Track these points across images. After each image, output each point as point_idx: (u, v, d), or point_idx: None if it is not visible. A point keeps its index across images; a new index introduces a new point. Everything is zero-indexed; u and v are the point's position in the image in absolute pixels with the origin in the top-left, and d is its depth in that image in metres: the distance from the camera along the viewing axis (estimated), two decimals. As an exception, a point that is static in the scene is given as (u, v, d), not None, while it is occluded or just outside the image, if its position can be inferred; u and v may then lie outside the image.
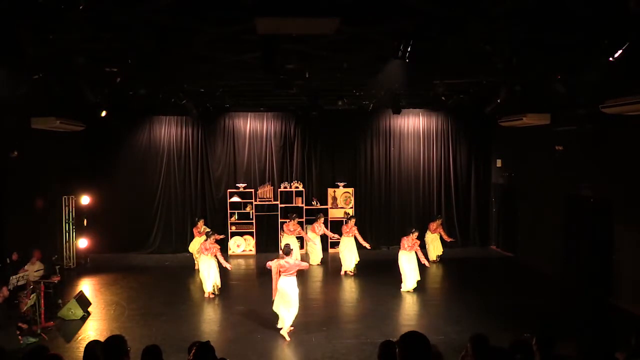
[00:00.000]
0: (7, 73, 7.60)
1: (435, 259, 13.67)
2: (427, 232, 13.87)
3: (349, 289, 11.59)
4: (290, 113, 15.15)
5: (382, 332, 8.34)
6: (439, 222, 14.07)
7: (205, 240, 10.93)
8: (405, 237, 11.22)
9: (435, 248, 13.78)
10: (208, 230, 11.96)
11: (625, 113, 8.71)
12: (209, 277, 10.65)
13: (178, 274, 12.68)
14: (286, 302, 8.47)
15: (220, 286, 10.92)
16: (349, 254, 12.55)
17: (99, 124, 12.74)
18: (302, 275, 11.28)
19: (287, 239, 13.06)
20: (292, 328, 8.65)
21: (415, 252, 11.08)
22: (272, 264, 8.59)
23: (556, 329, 4.56)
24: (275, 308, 8.71)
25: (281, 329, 8.56)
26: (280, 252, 13.12)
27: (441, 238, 13.82)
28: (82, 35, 6.56)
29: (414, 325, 8.96)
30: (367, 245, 12.80)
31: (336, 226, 14.55)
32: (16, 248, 10.06)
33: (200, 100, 12.71)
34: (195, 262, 12.64)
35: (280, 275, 8.51)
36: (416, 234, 11.24)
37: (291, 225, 13.23)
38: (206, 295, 10.66)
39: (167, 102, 12.15)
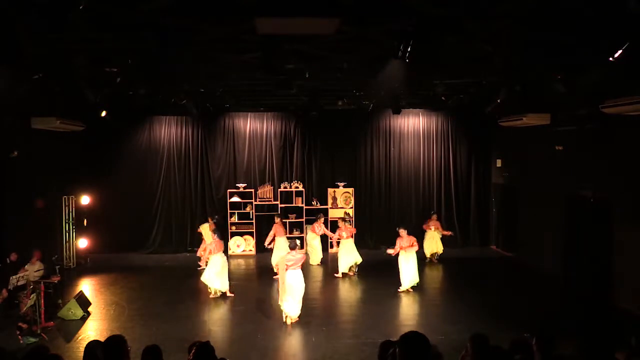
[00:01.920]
0: (7, 73, 7.60)
1: (429, 257, 13.66)
2: (426, 230, 13.87)
3: (349, 289, 11.58)
4: (290, 113, 15.15)
5: (382, 332, 8.33)
6: (434, 218, 14.00)
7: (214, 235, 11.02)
8: (398, 238, 11.19)
9: (429, 246, 13.73)
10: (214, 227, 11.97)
11: (625, 113, 8.70)
12: (218, 275, 10.60)
13: (178, 274, 12.68)
14: (294, 294, 8.90)
15: (227, 289, 10.80)
16: (343, 256, 12.50)
17: (99, 124, 12.73)
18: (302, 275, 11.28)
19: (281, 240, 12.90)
20: (297, 319, 8.93)
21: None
22: (279, 262, 9.01)
23: (556, 329, 4.56)
24: (280, 302, 9.06)
25: (285, 322, 8.86)
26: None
27: (441, 237, 13.79)
28: (82, 35, 6.56)
29: (414, 325, 8.96)
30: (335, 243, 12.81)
31: (336, 226, 14.56)
32: (16, 248, 10.05)
33: (200, 100, 12.71)
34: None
35: (287, 269, 8.88)
36: (404, 231, 11.11)
37: (278, 225, 12.99)
38: (212, 295, 10.62)
39: (167, 102, 12.15)
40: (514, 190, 14.35)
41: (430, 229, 13.76)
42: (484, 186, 15.88)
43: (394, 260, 11.37)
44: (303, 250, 14.04)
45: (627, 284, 9.57)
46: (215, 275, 10.59)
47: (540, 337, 4.36)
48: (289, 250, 9.14)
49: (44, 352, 4.27)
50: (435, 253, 13.77)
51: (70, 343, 8.29)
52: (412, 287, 11.00)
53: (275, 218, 13.23)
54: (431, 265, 13.47)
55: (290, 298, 8.87)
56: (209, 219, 13.13)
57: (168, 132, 15.07)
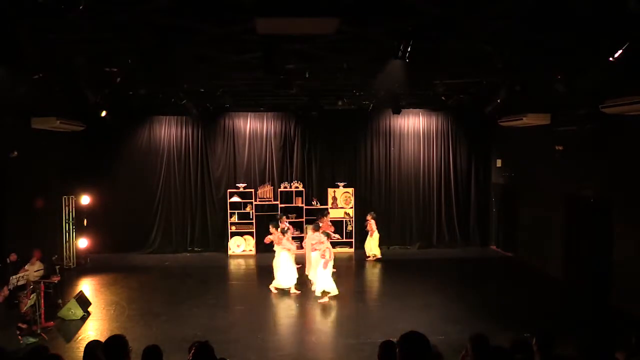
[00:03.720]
0: (7, 73, 7.60)
1: (371, 256, 13.77)
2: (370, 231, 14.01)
3: (349, 289, 11.56)
4: (290, 113, 15.14)
5: (382, 332, 8.32)
6: (369, 218, 14.03)
7: (284, 235, 11.10)
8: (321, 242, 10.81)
9: (374, 246, 13.86)
10: (284, 226, 11.83)
11: (625, 113, 8.71)
12: (291, 272, 10.85)
13: (178, 274, 12.68)
14: (319, 268, 10.36)
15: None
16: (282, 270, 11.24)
17: (99, 124, 12.73)
18: (302, 276, 11.30)
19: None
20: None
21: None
22: (306, 243, 11.27)
23: (556, 329, 4.56)
24: (307, 273, 11.19)
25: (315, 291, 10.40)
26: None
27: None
28: (82, 35, 6.56)
29: (414, 326, 8.94)
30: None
31: (336, 226, 14.57)
32: (16, 248, 10.04)
33: (200, 100, 12.71)
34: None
35: (313, 248, 10.68)
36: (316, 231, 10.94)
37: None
38: (274, 290, 10.83)
39: (167, 102, 12.15)
40: (514, 190, 14.35)
41: (374, 230, 13.89)
42: (484, 186, 15.86)
43: (392, 260, 11.36)
44: (303, 249, 14.09)
45: (627, 284, 9.56)
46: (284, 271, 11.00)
47: (540, 337, 4.36)
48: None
49: (44, 352, 4.26)
50: (374, 255, 13.82)
51: (70, 343, 8.29)
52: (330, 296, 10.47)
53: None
54: (433, 265, 13.48)
55: (318, 271, 10.37)
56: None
57: (168, 132, 15.07)
